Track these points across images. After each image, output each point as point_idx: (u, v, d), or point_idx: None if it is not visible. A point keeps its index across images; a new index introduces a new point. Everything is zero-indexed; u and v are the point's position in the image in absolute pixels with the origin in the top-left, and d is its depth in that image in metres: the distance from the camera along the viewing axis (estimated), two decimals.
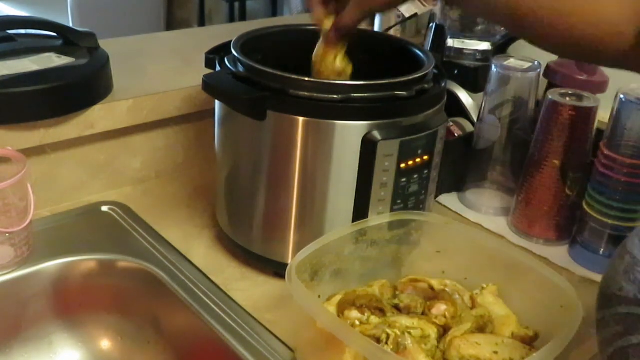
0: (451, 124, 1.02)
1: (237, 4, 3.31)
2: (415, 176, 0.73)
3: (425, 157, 0.73)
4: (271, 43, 0.84)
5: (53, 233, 0.83)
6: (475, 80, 1.05)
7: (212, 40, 0.83)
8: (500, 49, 1.09)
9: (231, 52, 0.74)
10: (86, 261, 0.80)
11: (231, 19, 3.21)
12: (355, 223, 0.71)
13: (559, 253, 0.89)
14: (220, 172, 0.81)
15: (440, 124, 0.74)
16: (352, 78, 0.71)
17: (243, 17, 3.47)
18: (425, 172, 0.75)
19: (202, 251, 0.84)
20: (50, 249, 0.80)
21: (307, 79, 0.68)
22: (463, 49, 1.06)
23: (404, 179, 0.72)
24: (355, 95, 0.68)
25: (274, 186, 0.74)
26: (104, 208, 0.90)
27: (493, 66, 0.93)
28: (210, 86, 0.71)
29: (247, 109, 0.70)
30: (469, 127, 1.03)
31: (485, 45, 1.06)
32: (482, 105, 0.97)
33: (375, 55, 0.86)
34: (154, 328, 0.80)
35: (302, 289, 0.59)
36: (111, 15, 3.48)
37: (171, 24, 3.97)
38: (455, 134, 1.02)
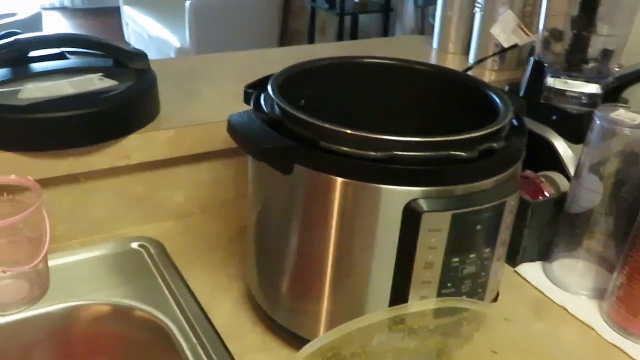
0: (542, 180, 0.86)
1: (348, 18, 3.23)
2: (473, 256, 0.59)
3: (487, 235, 0.59)
4: (324, 78, 0.73)
5: (73, 270, 0.77)
6: (578, 129, 0.88)
7: (287, 63, 0.71)
8: (613, 93, 0.91)
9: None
10: (101, 305, 0.73)
11: (340, 33, 3.13)
12: (390, 308, 0.58)
13: None
14: (249, 223, 0.70)
15: (510, 194, 0.59)
16: (405, 129, 0.58)
17: (355, 32, 3.40)
18: (487, 251, 0.60)
19: (227, 308, 0.74)
20: (66, 289, 0.74)
21: (344, 130, 0.56)
22: (566, 90, 0.89)
23: (456, 259, 0.58)
24: (400, 153, 0.55)
25: (299, 251, 0.63)
26: (134, 245, 0.82)
27: (596, 118, 0.76)
28: (233, 128, 0.61)
29: (268, 159, 0.59)
30: (564, 184, 0.86)
31: (593, 88, 0.88)
32: (580, 159, 0.80)
33: (446, 97, 0.72)
34: None
35: None
36: (227, 22, 3.54)
37: (285, 34, 4.00)
38: (546, 193, 0.85)
